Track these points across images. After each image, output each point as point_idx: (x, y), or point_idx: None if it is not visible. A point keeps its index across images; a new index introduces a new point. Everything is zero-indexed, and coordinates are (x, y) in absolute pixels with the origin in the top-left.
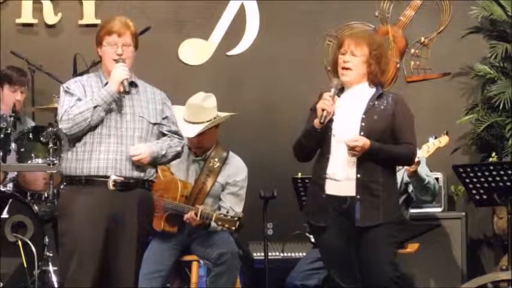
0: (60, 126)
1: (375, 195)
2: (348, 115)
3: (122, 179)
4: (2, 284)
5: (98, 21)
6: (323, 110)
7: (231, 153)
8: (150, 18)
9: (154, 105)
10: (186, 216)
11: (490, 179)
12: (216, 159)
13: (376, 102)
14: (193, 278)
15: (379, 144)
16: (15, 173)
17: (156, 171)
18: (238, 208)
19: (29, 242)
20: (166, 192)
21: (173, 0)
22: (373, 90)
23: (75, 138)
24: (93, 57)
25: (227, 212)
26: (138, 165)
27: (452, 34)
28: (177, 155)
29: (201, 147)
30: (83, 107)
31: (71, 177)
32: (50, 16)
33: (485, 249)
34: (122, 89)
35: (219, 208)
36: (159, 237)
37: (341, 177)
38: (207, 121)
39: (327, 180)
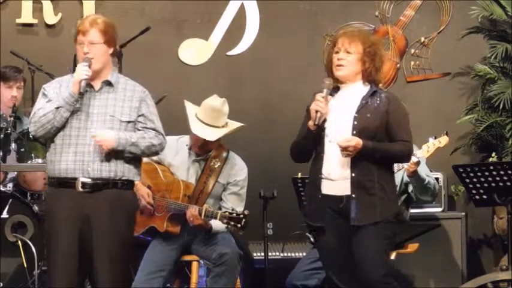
0: (29, 129)
1: (371, 193)
2: (340, 114)
3: (90, 180)
4: (2, 284)
5: None
6: (316, 111)
7: (231, 153)
8: (150, 18)
9: (130, 103)
10: (188, 213)
11: (490, 179)
12: (217, 159)
13: (369, 100)
14: (193, 278)
15: (373, 143)
16: (15, 173)
17: (139, 169)
18: (240, 208)
19: (29, 242)
20: (169, 193)
21: (173, 0)
22: (367, 89)
23: (50, 140)
24: None
25: (232, 210)
26: (107, 166)
27: (452, 34)
28: (152, 147)
29: (205, 150)
30: (47, 108)
31: (48, 179)
32: (50, 16)
33: (485, 249)
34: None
35: (220, 208)
36: (160, 237)
37: (336, 177)
38: (222, 126)
39: (322, 180)
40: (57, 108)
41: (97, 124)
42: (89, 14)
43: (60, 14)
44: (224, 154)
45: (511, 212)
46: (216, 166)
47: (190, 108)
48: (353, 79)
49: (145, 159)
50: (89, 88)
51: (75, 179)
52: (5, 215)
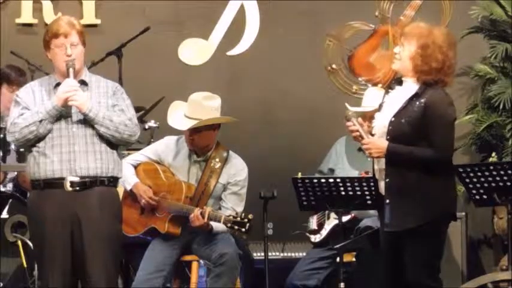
0: (7, 138)
1: (404, 199)
2: (383, 117)
3: (78, 179)
4: (2, 284)
5: (98, 21)
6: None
7: (231, 153)
8: (150, 18)
9: (106, 100)
10: (191, 215)
11: (490, 179)
12: (217, 160)
13: (411, 103)
14: (193, 278)
15: (397, 147)
16: (15, 173)
17: (121, 165)
18: (239, 208)
19: (29, 242)
20: (170, 194)
21: (173, 0)
22: (416, 88)
23: (31, 144)
24: (92, 57)
25: (236, 214)
26: (93, 163)
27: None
28: (126, 127)
29: (194, 145)
30: (29, 120)
31: (32, 181)
32: (50, 16)
33: (485, 249)
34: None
35: (220, 208)
36: (160, 237)
37: (380, 178)
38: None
39: (377, 180)
40: (41, 121)
41: (77, 124)
42: (60, 16)
43: (60, 14)
44: (224, 154)
45: (511, 212)
46: (217, 167)
47: (181, 106)
48: (407, 74)
49: (145, 160)
50: None
51: (63, 178)
52: (5, 215)
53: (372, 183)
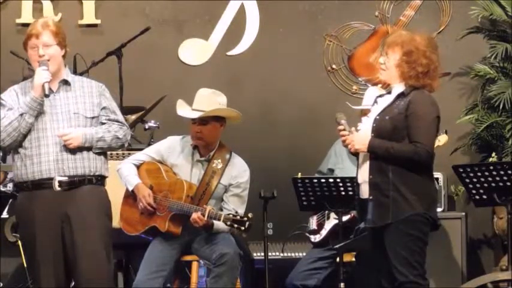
0: None
1: (385, 195)
2: (370, 118)
3: (66, 178)
4: (2, 284)
5: (98, 21)
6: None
7: (234, 154)
8: (150, 18)
9: (91, 99)
10: (192, 217)
11: (490, 179)
12: (219, 160)
13: (396, 102)
14: (193, 278)
15: (377, 142)
16: None
17: (107, 163)
18: (241, 210)
19: None
20: (172, 193)
21: (173, 0)
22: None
23: (17, 146)
24: (93, 57)
25: (236, 212)
26: (81, 162)
27: (452, 34)
28: (118, 140)
29: (200, 139)
30: (11, 117)
31: (19, 183)
32: (50, 16)
33: (485, 249)
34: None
35: (221, 209)
36: (160, 237)
37: (361, 180)
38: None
39: (358, 184)
40: (21, 114)
41: (63, 123)
42: (39, 18)
43: (60, 14)
44: (227, 155)
45: (511, 212)
46: (219, 167)
47: (184, 106)
48: (394, 82)
49: (148, 159)
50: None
51: (51, 179)
52: (5, 215)
53: None
